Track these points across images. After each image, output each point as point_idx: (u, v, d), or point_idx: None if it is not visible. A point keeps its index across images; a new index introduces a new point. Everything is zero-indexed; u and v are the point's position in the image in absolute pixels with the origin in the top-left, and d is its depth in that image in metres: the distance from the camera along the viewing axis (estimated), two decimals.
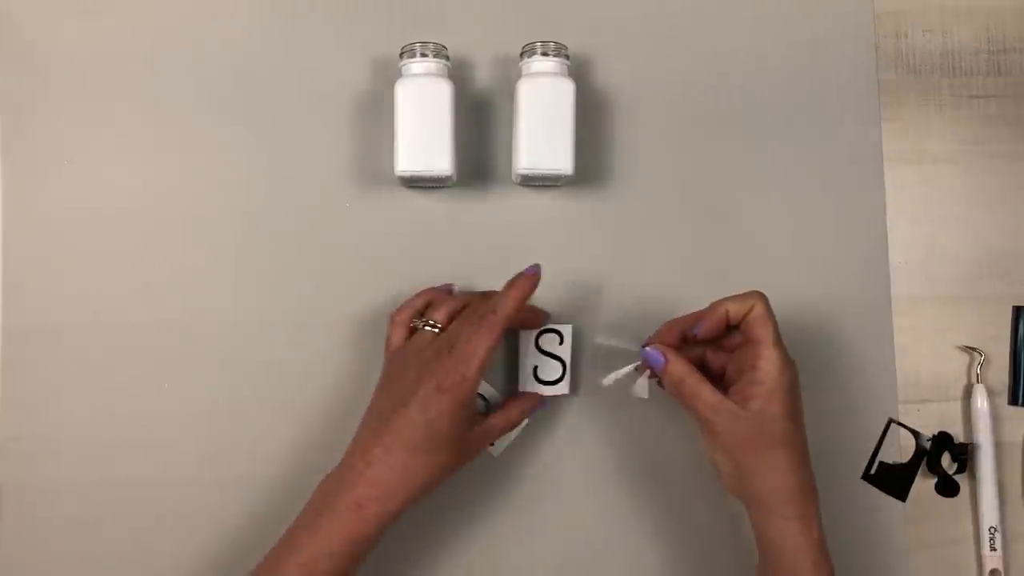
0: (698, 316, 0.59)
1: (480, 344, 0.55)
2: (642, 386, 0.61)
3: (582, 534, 0.65)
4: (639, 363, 0.60)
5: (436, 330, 0.59)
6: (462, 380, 0.55)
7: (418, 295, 0.63)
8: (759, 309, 0.57)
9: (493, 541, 0.65)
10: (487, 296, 0.62)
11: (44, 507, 0.64)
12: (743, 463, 0.56)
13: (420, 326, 0.60)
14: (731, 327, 0.59)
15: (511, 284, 0.58)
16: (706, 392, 0.56)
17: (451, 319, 0.60)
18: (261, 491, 0.64)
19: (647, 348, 0.59)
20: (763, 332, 0.56)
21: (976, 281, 0.69)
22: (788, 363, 0.56)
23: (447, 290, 0.65)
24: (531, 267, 0.59)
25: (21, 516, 0.64)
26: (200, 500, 0.64)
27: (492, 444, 0.65)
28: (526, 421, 0.65)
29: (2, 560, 0.63)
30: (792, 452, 0.56)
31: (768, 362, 0.55)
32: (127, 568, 0.64)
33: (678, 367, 0.57)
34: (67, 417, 0.64)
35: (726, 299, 0.58)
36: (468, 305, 0.61)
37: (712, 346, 0.61)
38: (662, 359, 0.58)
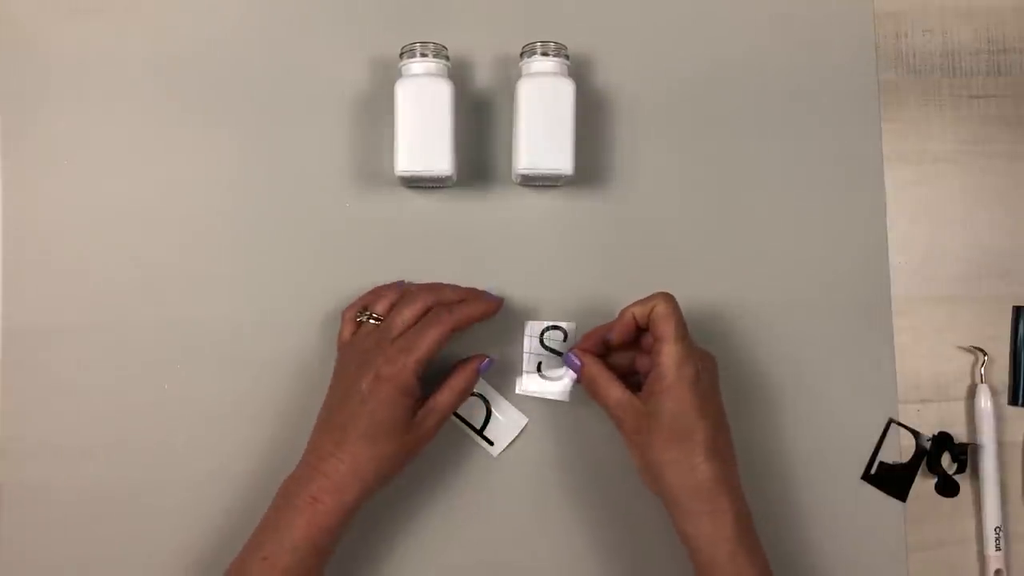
0: (612, 324, 0.61)
1: (426, 337, 0.58)
2: (564, 390, 0.65)
3: (581, 533, 0.65)
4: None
5: (378, 322, 0.61)
6: (402, 368, 0.56)
7: (369, 292, 0.64)
8: (660, 308, 0.58)
9: (492, 541, 0.65)
10: (430, 288, 0.63)
11: (44, 507, 0.64)
12: (650, 459, 0.57)
13: (364, 319, 0.61)
14: (644, 329, 0.60)
15: (476, 299, 0.62)
16: (614, 391, 0.59)
17: (391, 310, 0.61)
18: (260, 491, 0.64)
19: (568, 353, 0.62)
20: (665, 329, 0.57)
21: (976, 281, 0.69)
22: (690, 357, 0.57)
23: (395, 294, 0.64)
24: (498, 297, 0.64)
25: (21, 516, 0.64)
26: (199, 500, 0.64)
27: (492, 443, 0.65)
28: (526, 421, 0.65)
29: (2, 560, 0.63)
30: (696, 446, 0.56)
31: (667, 358, 0.56)
32: (127, 568, 0.64)
33: (591, 369, 0.61)
34: (67, 417, 0.64)
35: (633, 303, 0.60)
36: (405, 295, 0.61)
37: (637, 350, 0.63)
38: (578, 362, 0.61)
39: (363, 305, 0.63)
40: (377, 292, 0.64)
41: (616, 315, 0.62)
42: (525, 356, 0.66)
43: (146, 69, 0.67)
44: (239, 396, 0.65)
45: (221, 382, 0.65)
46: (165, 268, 0.66)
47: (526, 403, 0.66)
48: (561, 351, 0.66)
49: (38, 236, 0.66)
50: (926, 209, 0.70)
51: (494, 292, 0.66)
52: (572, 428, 0.66)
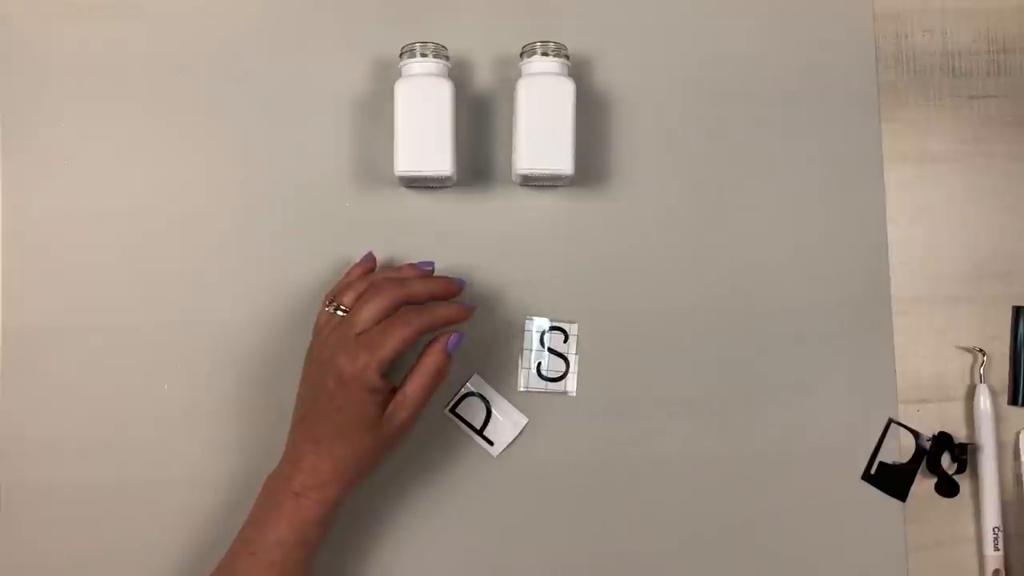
0: None
1: (391, 337, 0.56)
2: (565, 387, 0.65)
3: (581, 533, 0.65)
4: None
5: (344, 312, 0.59)
6: (364, 367, 0.56)
7: (346, 275, 0.63)
8: None
9: (492, 541, 0.65)
10: (398, 282, 0.59)
11: (44, 507, 0.64)
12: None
13: (332, 310, 0.60)
14: None
15: (447, 305, 0.60)
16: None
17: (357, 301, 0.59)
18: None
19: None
20: None
21: (976, 281, 0.69)
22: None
23: (371, 266, 0.64)
24: (470, 304, 0.61)
25: (21, 516, 0.64)
26: (199, 500, 0.64)
27: (492, 443, 0.65)
28: (525, 420, 0.65)
29: (2, 560, 0.63)
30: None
31: None
32: (127, 568, 0.64)
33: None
34: (67, 417, 0.64)
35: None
36: (372, 288, 0.59)
37: None
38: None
39: (335, 293, 0.61)
40: (348, 277, 0.63)
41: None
42: (525, 353, 0.66)
43: (146, 69, 0.67)
44: (239, 396, 0.65)
45: (221, 382, 0.65)
46: (165, 268, 0.66)
47: (526, 403, 0.66)
48: (562, 352, 0.66)
49: (38, 236, 0.66)
50: (926, 209, 0.70)
51: (493, 293, 0.66)
52: (572, 427, 0.66)
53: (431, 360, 0.59)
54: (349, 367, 0.56)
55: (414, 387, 0.58)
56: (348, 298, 0.60)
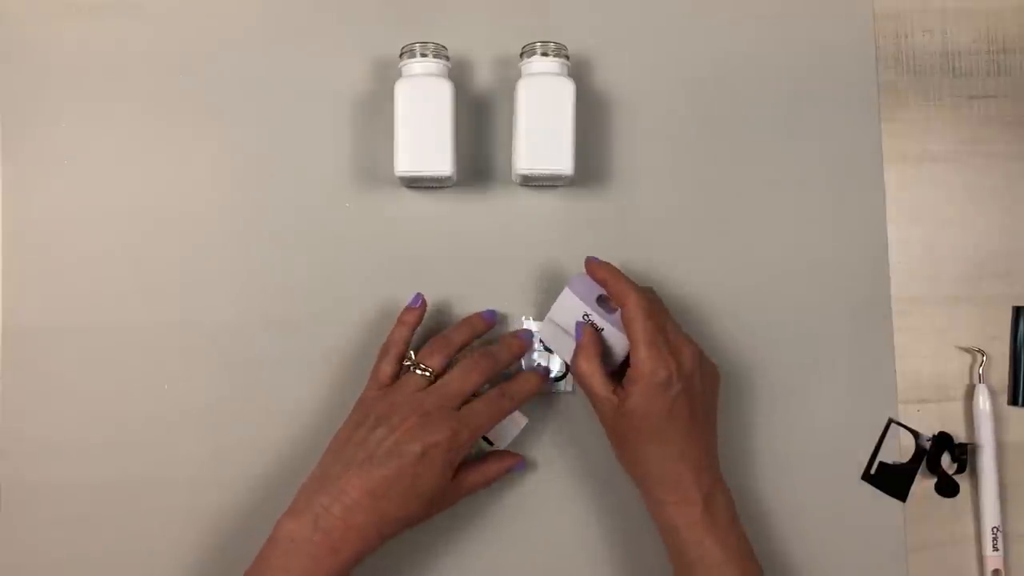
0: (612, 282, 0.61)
1: (489, 420, 0.59)
2: (565, 386, 0.66)
3: (580, 533, 0.65)
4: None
5: (427, 374, 0.60)
6: (462, 444, 0.57)
7: (402, 323, 0.62)
8: (626, 312, 0.58)
9: (490, 540, 0.65)
10: (489, 354, 0.61)
11: (44, 507, 0.64)
12: (624, 450, 0.59)
13: (411, 368, 0.60)
14: None
15: (531, 382, 0.62)
16: (597, 386, 0.59)
17: (445, 367, 0.60)
18: (260, 491, 0.64)
19: (579, 323, 0.62)
20: (635, 332, 0.58)
21: (976, 281, 0.69)
22: (662, 362, 0.57)
23: (421, 313, 0.63)
24: (542, 371, 0.64)
25: (21, 516, 0.64)
26: (199, 500, 0.64)
27: (491, 444, 0.65)
28: (526, 421, 0.65)
29: (2, 560, 0.63)
30: (666, 446, 0.57)
31: (640, 362, 0.57)
32: (126, 568, 0.64)
33: (582, 365, 0.60)
34: (67, 417, 0.65)
35: (616, 278, 0.60)
36: (468, 361, 0.60)
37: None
38: (580, 337, 0.61)
39: (407, 343, 0.62)
40: (411, 323, 0.62)
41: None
42: (526, 354, 0.66)
43: (146, 69, 0.67)
44: (239, 396, 0.65)
45: (221, 382, 0.65)
46: (165, 268, 0.66)
47: (526, 403, 0.65)
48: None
49: (38, 236, 0.66)
50: (926, 209, 0.70)
51: (493, 292, 0.66)
52: (572, 428, 0.66)
53: (496, 471, 0.62)
54: (447, 442, 0.56)
55: (474, 479, 0.61)
56: (435, 361, 0.60)
